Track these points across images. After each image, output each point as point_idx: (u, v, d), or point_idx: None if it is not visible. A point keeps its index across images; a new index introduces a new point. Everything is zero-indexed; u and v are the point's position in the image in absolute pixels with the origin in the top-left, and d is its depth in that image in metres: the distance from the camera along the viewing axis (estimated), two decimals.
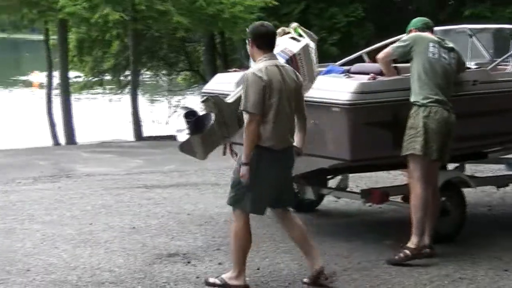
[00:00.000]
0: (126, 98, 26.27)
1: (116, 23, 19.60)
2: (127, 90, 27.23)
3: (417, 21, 7.42)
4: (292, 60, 7.00)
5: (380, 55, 7.29)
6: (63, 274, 6.48)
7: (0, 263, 6.76)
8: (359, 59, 8.92)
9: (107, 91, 35.40)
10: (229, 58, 27.22)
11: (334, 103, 6.95)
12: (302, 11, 22.65)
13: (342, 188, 8.41)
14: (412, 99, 6.95)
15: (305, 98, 7.06)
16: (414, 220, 6.88)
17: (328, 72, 7.97)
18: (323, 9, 22.83)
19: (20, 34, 26.14)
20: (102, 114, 31.15)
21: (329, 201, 9.25)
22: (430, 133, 6.82)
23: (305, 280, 6.34)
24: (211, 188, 10.75)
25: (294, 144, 6.29)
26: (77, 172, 12.57)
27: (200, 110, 7.50)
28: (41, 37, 25.78)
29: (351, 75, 7.53)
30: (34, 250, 7.22)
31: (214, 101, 6.91)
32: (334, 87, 7.14)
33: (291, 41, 7.23)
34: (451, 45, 7.16)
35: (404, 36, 7.42)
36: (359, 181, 10.09)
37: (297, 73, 6.35)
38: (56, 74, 23.55)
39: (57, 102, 22.62)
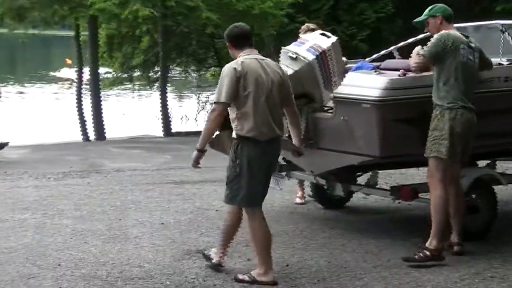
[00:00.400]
0: (155, 94, 26.36)
1: (146, 19, 19.68)
2: (156, 86, 27.34)
3: (444, 8, 7.08)
4: (322, 56, 6.98)
5: (414, 66, 7.00)
6: (93, 269, 6.50)
7: (31, 258, 6.80)
8: (389, 55, 8.86)
9: (136, 87, 35.50)
10: None
11: (364, 99, 6.91)
12: (331, 7, 22.57)
13: (371, 185, 8.37)
14: (436, 101, 6.81)
15: (335, 95, 7.06)
16: (435, 221, 6.81)
17: (358, 68, 7.94)
18: (352, 4, 22.74)
19: (50, 30, 26.29)
20: (131, 110, 31.27)
21: (358, 198, 9.22)
22: (456, 136, 6.71)
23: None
24: None
25: (293, 143, 6.45)
26: (106, 168, 12.63)
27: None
28: (71, 33, 25.92)
29: (381, 71, 7.47)
30: (64, 245, 7.26)
31: None
32: (364, 83, 7.09)
33: (321, 37, 7.21)
34: (474, 43, 7.02)
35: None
36: (388, 178, 10.04)
37: (281, 67, 6.39)
38: (86, 70, 23.71)
39: (87, 97, 22.77)
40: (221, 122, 6.12)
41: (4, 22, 22.80)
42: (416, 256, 6.78)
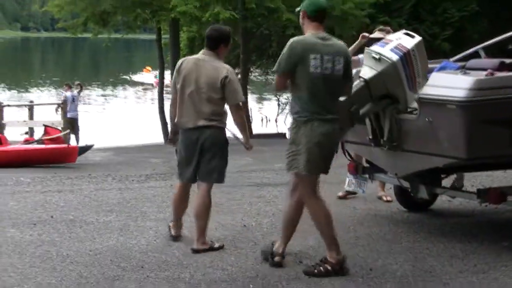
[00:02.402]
0: None
1: (226, 21, 19.81)
2: None
3: (310, 3, 6.34)
4: (406, 56, 6.85)
5: (275, 88, 6.46)
6: (176, 272, 6.52)
7: (115, 259, 6.86)
8: (475, 55, 8.66)
9: None
10: None
11: (450, 100, 6.75)
12: (413, 6, 22.32)
13: (457, 187, 8.19)
14: (292, 114, 6.25)
15: (419, 96, 6.90)
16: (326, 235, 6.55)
17: (442, 68, 7.78)
18: (434, 3, 22.43)
19: (132, 34, 26.79)
20: None
21: (442, 201, 9.05)
22: (312, 150, 6.25)
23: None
24: (321, 186, 10.65)
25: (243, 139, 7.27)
26: None
27: None
28: (152, 36, 26.26)
29: (467, 71, 7.30)
30: (147, 247, 7.31)
31: None
32: (449, 83, 6.92)
33: (405, 37, 7.08)
34: (338, 50, 6.27)
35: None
36: (474, 180, 9.83)
37: (220, 69, 7.09)
38: (167, 74, 23.96)
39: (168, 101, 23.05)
40: (173, 108, 7.23)
41: (88, 27, 23.29)
42: (316, 270, 6.38)
